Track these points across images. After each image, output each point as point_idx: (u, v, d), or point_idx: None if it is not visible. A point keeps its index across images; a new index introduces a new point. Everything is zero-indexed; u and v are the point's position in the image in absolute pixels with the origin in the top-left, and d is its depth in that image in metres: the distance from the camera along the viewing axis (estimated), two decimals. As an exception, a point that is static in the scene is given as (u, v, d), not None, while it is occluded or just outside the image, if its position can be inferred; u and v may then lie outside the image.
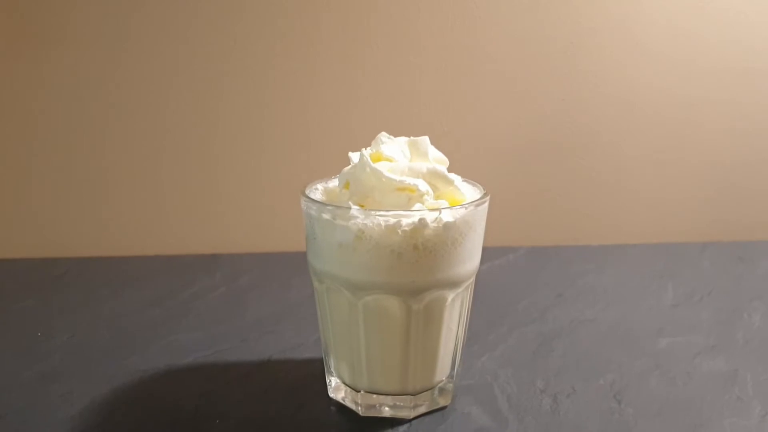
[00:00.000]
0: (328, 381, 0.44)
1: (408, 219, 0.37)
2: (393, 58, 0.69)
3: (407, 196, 0.39)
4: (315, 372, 0.47)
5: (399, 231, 0.37)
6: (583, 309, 0.58)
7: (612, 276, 0.66)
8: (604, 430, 0.41)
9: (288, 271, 0.66)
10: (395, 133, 0.42)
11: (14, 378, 0.47)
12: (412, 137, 0.42)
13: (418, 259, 0.38)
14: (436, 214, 0.37)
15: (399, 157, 0.41)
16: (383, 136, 0.42)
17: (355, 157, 0.41)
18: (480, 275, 0.40)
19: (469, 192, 0.42)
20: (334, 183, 0.44)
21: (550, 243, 0.76)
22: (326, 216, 0.38)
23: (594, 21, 0.70)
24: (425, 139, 0.41)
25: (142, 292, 0.62)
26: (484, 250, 0.43)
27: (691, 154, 0.76)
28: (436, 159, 0.42)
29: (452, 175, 0.41)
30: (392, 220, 0.37)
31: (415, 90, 0.71)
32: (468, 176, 0.43)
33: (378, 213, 0.37)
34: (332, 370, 0.44)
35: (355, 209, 0.37)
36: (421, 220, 0.37)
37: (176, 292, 0.62)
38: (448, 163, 0.42)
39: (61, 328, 0.54)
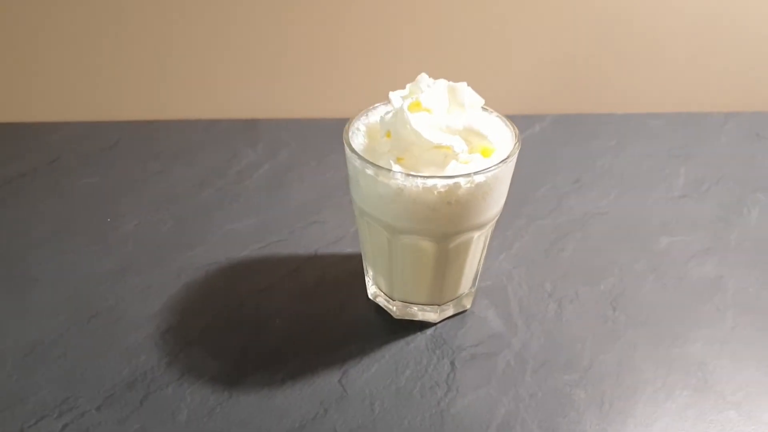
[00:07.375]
0: (367, 283, 0.52)
1: (443, 181, 0.41)
2: None
3: (443, 153, 0.42)
4: (356, 270, 0.54)
5: (435, 192, 0.41)
6: (596, 199, 0.63)
7: (629, 157, 0.70)
8: (598, 337, 0.49)
9: (325, 144, 0.71)
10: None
11: (99, 273, 0.54)
12: (451, 83, 0.44)
13: (451, 212, 0.42)
14: (469, 177, 0.41)
15: (437, 107, 0.43)
16: (423, 79, 0.43)
17: (395, 99, 0.44)
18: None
19: (504, 134, 0.45)
20: (374, 118, 0.47)
21: (576, 110, 0.78)
22: (369, 172, 0.42)
23: None
24: (463, 86, 0.43)
25: (191, 169, 0.67)
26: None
27: (716, 22, 0.74)
28: (473, 104, 0.44)
29: (487, 125, 0.43)
30: (429, 183, 0.41)
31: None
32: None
33: (417, 176, 0.41)
34: (370, 278, 0.51)
35: (396, 169, 0.41)
36: (456, 184, 0.41)
37: (222, 169, 0.67)
38: (483, 102, 0.45)
39: (127, 214, 0.61)
